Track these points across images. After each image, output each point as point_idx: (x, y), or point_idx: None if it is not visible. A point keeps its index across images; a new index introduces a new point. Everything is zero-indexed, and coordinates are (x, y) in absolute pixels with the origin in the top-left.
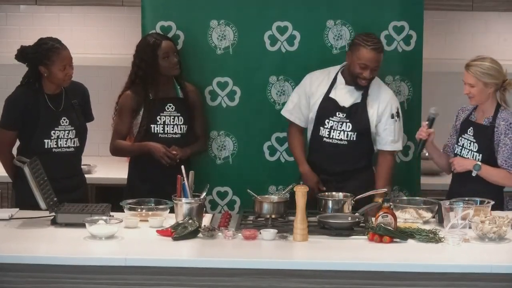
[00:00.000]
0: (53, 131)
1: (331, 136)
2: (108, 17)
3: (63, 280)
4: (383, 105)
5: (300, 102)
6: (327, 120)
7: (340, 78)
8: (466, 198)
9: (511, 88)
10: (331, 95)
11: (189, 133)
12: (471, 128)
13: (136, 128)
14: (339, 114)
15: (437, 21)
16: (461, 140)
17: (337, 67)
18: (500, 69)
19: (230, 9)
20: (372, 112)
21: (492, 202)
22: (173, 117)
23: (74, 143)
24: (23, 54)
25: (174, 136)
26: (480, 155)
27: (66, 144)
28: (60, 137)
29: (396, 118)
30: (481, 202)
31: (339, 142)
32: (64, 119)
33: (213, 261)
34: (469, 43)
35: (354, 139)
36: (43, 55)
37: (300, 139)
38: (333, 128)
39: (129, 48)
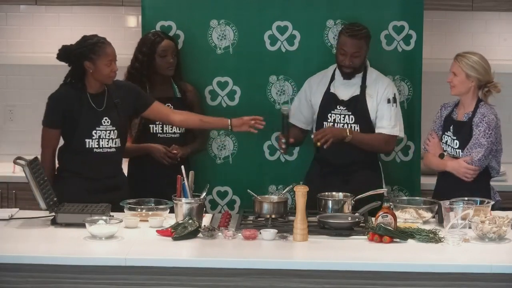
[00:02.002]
0: (95, 131)
1: None
2: (108, 17)
3: (63, 280)
4: (381, 93)
5: (300, 105)
6: (329, 114)
7: (338, 74)
8: (466, 198)
9: (495, 91)
10: (331, 90)
11: (188, 133)
12: (452, 125)
13: (135, 128)
14: (339, 107)
15: (437, 21)
16: (444, 137)
17: (335, 65)
18: (486, 67)
19: (230, 9)
20: (371, 102)
21: (492, 202)
22: None
23: (115, 143)
24: (67, 52)
25: (173, 135)
26: (463, 151)
27: (107, 144)
28: (101, 137)
29: (392, 103)
30: (481, 202)
31: None
32: (106, 119)
33: (213, 261)
34: (469, 43)
35: (358, 131)
36: (89, 50)
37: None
38: (336, 121)
39: (129, 48)
